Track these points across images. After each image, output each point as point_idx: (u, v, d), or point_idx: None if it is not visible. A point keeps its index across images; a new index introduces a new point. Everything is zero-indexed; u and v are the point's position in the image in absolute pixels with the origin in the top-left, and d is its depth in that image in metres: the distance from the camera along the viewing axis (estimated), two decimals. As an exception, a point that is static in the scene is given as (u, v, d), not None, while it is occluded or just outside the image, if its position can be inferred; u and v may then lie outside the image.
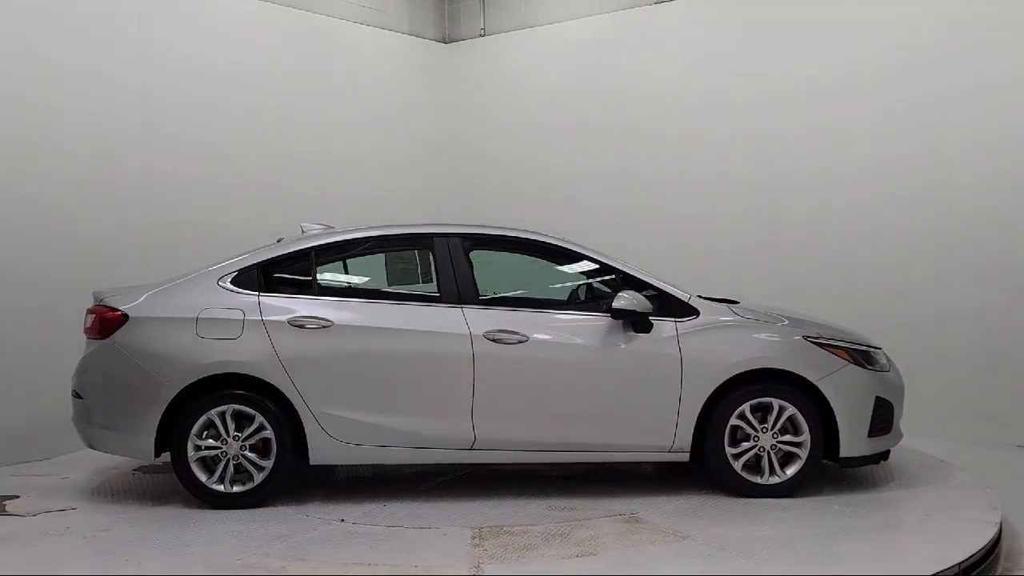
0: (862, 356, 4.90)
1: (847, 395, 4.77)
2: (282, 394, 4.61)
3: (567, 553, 3.82)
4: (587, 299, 5.20)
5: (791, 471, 4.74)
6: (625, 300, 4.70)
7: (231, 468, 4.60)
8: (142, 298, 4.78)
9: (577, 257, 5.08)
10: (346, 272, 5.21)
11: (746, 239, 7.50)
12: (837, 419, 4.74)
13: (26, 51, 6.09)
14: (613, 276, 5.00)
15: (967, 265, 6.54)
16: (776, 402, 4.74)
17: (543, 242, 5.07)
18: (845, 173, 7.06)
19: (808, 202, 7.23)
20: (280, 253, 4.92)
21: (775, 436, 4.74)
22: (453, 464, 5.19)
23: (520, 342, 4.70)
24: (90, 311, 4.88)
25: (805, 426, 4.74)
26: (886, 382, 4.95)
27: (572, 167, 8.40)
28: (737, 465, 4.73)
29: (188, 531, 4.20)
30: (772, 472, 4.74)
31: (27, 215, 6.09)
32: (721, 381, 4.71)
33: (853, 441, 4.77)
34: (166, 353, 4.61)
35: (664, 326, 4.78)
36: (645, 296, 4.78)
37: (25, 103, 6.09)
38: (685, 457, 4.77)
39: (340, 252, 5.08)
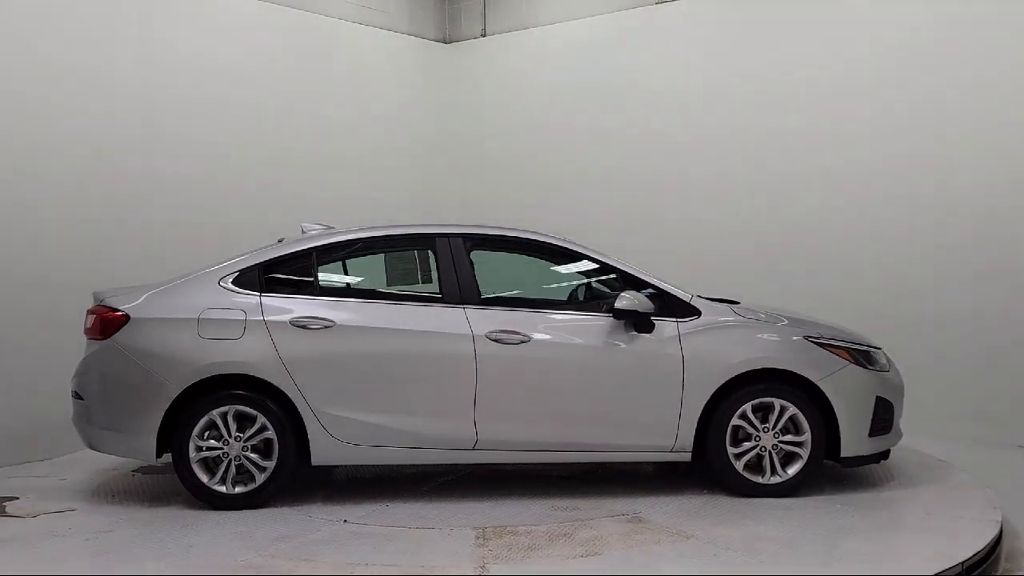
0: (862, 356, 4.92)
1: (848, 395, 4.78)
2: (284, 395, 4.60)
3: (571, 553, 3.82)
4: (589, 299, 5.21)
5: (792, 471, 4.75)
6: (627, 300, 4.70)
7: (233, 469, 4.59)
8: (143, 298, 4.76)
9: (579, 257, 5.08)
10: (348, 272, 5.20)
11: (746, 239, 7.51)
12: (838, 419, 4.75)
13: (26, 51, 6.08)
14: (615, 276, 5.01)
15: (967, 265, 6.55)
16: (777, 402, 4.75)
17: (545, 242, 5.07)
18: (845, 173, 7.07)
19: (808, 202, 7.24)
20: (281, 253, 4.91)
21: (776, 436, 4.76)
22: (454, 464, 5.19)
23: (522, 342, 4.70)
24: (90, 311, 4.86)
25: (806, 426, 4.75)
26: (886, 382, 4.96)
27: (572, 167, 8.40)
28: (739, 465, 4.74)
29: (190, 532, 4.19)
30: (774, 472, 4.75)
31: (27, 215, 6.07)
32: (723, 381, 4.72)
33: (854, 441, 4.78)
34: (167, 353, 4.59)
35: (666, 326, 4.79)
36: (646, 296, 4.79)
37: (25, 103, 6.08)
38: (687, 457, 4.78)
39: (342, 252, 5.07)
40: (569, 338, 4.77)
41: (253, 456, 4.59)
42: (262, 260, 4.87)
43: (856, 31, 7.05)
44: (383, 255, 5.33)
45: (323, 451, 4.63)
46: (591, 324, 4.80)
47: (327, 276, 5.02)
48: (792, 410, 4.74)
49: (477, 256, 4.97)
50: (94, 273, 5.91)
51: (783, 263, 7.32)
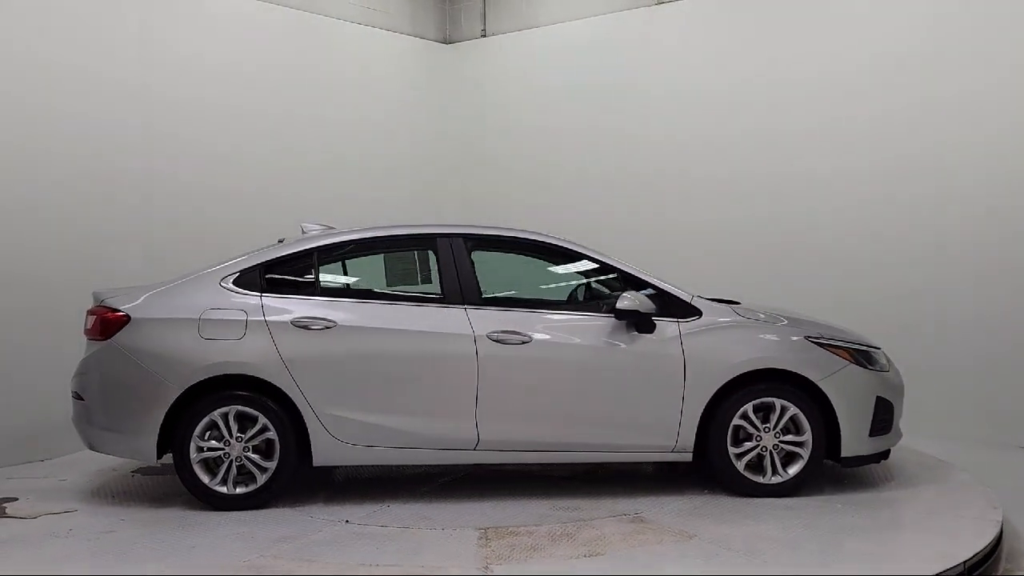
0: (863, 356, 4.93)
1: (848, 395, 4.80)
2: (285, 395, 4.59)
3: (574, 553, 3.83)
4: (590, 299, 5.21)
5: (793, 470, 4.76)
6: (629, 300, 4.71)
7: (234, 470, 4.58)
8: (144, 299, 4.75)
9: (580, 258, 5.08)
10: (349, 273, 5.20)
11: (746, 240, 7.52)
12: (839, 419, 4.76)
13: (26, 52, 6.06)
14: (616, 277, 5.01)
15: (967, 265, 6.57)
16: (778, 402, 4.76)
17: (546, 243, 5.08)
18: (845, 174, 7.08)
19: (808, 203, 7.25)
20: (282, 254, 4.90)
21: (777, 436, 4.77)
22: (454, 464, 5.19)
23: (523, 342, 4.70)
24: (91, 312, 4.85)
25: (807, 426, 4.76)
26: (886, 382, 4.97)
27: (572, 167, 8.41)
28: (740, 465, 4.75)
29: (192, 533, 4.18)
30: (774, 472, 4.76)
31: (27, 216, 6.06)
32: (724, 381, 4.73)
33: (854, 441, 4.79)
34: (168, 354, 4.58)
35: (667, 327, 4.79)
36: (648, 296, 4.80)
37: (25, 104, 6.07)
38: (688, 457, 4.79)
39: (343, 253, 5.07)
40: (570, 338, 4.77)
41: (254, 457, 4.59)
42: (263, 260, 4.86)
43: (856, 32, 7.07)
44: (383, 255, 5.33)
45: (324, 451, 4.63)
46: (592, 324, 4.81)
47: (328, 276, 5.02)
48: (793, 410, 4.75)
49: (478, 256, 4.97)
50: (94, 273, 5.90)
51: (783, 263, 7.33)
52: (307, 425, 4.60)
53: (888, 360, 5.10)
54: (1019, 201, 6.37)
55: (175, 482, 4.75)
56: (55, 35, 6.22)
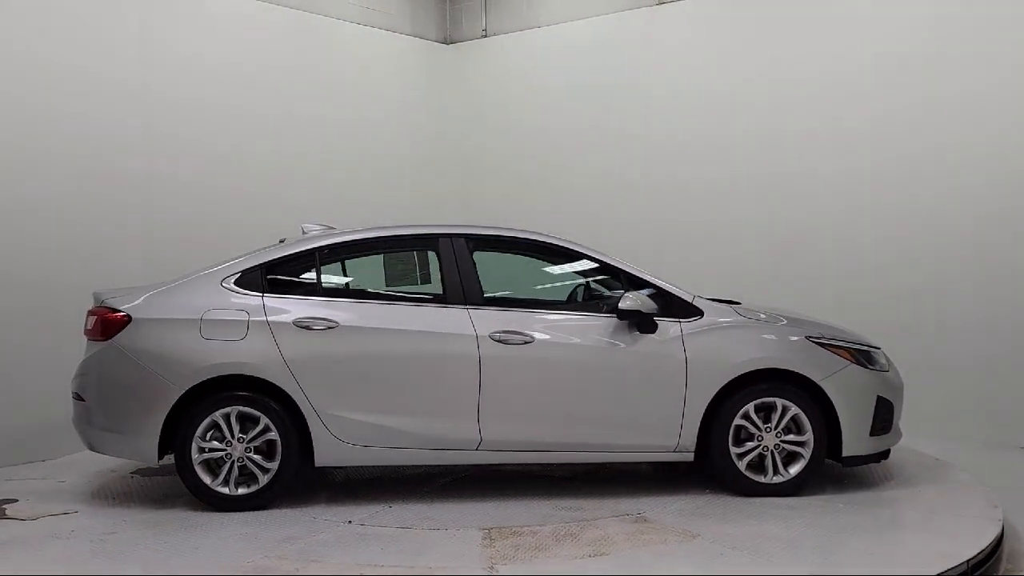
0: (863, 356, 4.95)
1: (849, 395, 4.81)
2: (287, 395, 4.58)
3: (579, 553, 3.83)
4: (592, 300, 5.21)
5: (794, 470, 4.78)
6: (631, 301, 4.71)
7: (236, 470, 4.57)
8: (144, 299, 4.74)
9: (582, 258, 5.08)
10: (351, 273, 5.19)
11: (747, 240, 7.54)
12: (840, 418, 4.77)
13: (26, 52, 6.05)
14: (618, 277, 5.01)
15: (967, 266, 6.59)
16: (780, 402, 4.77)
17: (548, 243, 5.08)
18: (846, 174, 7.11)
19: (809, 203, 7.27)
20: (284, 254, 4.90)
21: (779, 435, 4.78)
22: (455, 465, 5.18)
23: (526, 343, 4.70)
24: (91, 312, 4.83)
25: (808, 425, 4.77)
26: (887, 382, 4.99)
27: (573, 168, 8.42)
28: (741, 464, 4.76)
29: (195, 534, 4.17)
30: (776, 471, 4.77)
31: (27, 216, 6.04)
32: (726, 381, 4.74)
33: (855, 440, 4.81)
34: (170, 355, 4.57)
35: (669, 327, 4.80)
36: (649, 296, 4.80)
37: (25, 104, 6.05)
38: (690, 457, 4.80)
39: (344, 253, 5.06)
40: (572, 338, 4.77)
41: (256, 457, 4.58)
42: (264, 260, 4.85)
43: (857, 33, 7.09)
44: (382, 256, 5.32)
45: (326, 452, 4.62)
46: (594, 324, 4.81)
47: (330, 277, 5.01)
48: (794, 410, 4.76)
49: (480, 256, 4.97)
50: (94, 274, 5.89)
51: (784, 264, 7.35)
52: (309, 426, 4.59)
53: (888, 360, 5.12)
54: (1020, 202, 6.39)
55: (175, 483, 4.74)
56: (55, 35, 6.21)
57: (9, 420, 5.91)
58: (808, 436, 4.77)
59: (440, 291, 4.87)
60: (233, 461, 4.56)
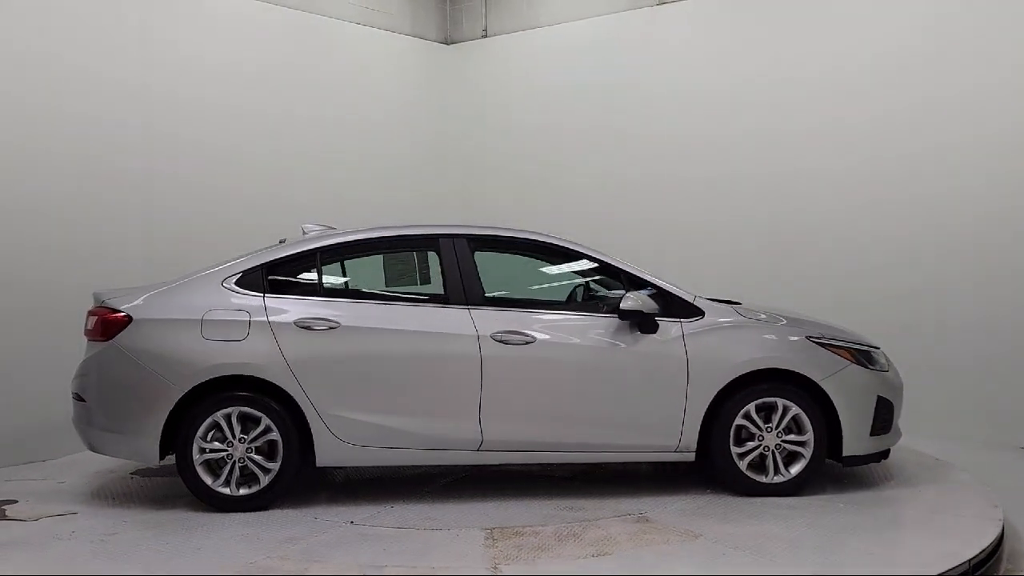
0: (863, 356, 4.96)
1: (850, 394, 4.82)
2: (288, 396, 4.58)
3: (582, 553, 3.83)
4: (593, 300, 5.22)
5: (795, 470, 4.79)
6: (632, 301, 4.71)
7: (237, 471, 4.56)
8: (145, 299, 4.73)
9: (583, 258, 5.08)
10: (353, 273, 5.19)
11: (747, 240, 7.55)
12: (840, 418, 4.78)
13: (26, 51, 6.04)
14: (619, 277, 5.01)
15: (967, 266, 6.61)
16: (781, 402, 4.78)
17: (549, 243, 5.08)
18: (846, 174, 7.12)
19: (809, 203, 7.28)
20: (285, 254, 4.89)
21: (779, 435, 4.79)
22: (455, 465, 5.18)
23: (527, 343, 4.70)
24: (91, 313, 4.82)
25: (809, 425, 4.78)
26: (887, 381, 5.00)
27: (574, 168, 8.42)
28: (742, 464, 4.77)
29: (197, 535, 4.16)
30: (776, 471, 4.78)
31: (27, 216, 6.03)
32: (727, 381, 4.74)
33: (856, 440, 4.82)
34: (171, 355, 4.56)
35: (670, 327, 4.81)
36: (650, 297, 4.81)
37: (25, 104, 6.04)
38: (691, 457, 4.80)
39: (346, 253, 5.05)
40: (574, 338, 4.77)
41: (257, 458, 4.57)
42: (265, 261, 4.84)
43: (858, 32, 7.10)
44: (381, 256, 5.32)
45: (328, 452, 4.61)
46: (596, 324, 4.81)
47: (331, 277, 5.01)
48: (795, 410, 4.77)
49: (480, 256, 4.97)
50: (94, 274, 5.88)
51: (784, 263, 7.36)
52: (310, 426, 4.59)
53: (887, 360, 5.13)
54: (1020, 202, 6.41)
55: (175, 484, 4.73)
56: (55, 35, 6.20)
57: (8, 420, 5.90)
58: (809, 436, 4.78)
59: (441, 291, 4.87)
60: (234, 461, 4.56)
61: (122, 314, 4.66)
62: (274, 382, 4.57)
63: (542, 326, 4.77)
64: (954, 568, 3.67)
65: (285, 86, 7.71)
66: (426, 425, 4.66)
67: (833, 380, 4.79)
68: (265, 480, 4.57)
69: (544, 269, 5.39)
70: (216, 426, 4.56)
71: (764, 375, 4.79)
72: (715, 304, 5.00)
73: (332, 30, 8.13)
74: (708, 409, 4.75)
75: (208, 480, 4.54)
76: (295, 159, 7.73)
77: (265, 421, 4.57)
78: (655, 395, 4.74)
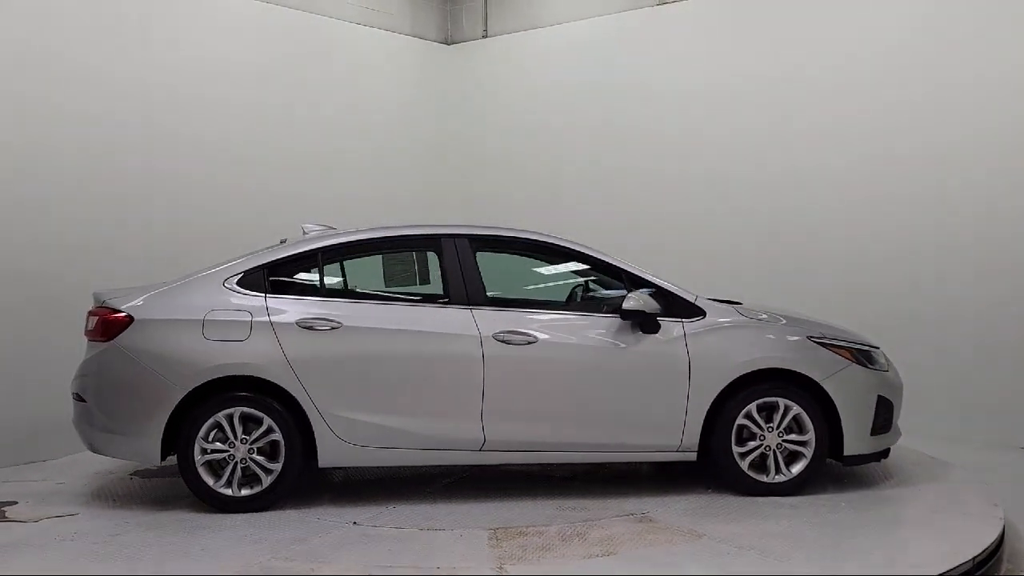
0: (863, 356, 4.98)
1: (850, 394, 4.84)
2: (291, 396, 4.57)
3: (587, 553, 3.83)
4: (595, 300, 5.22)
5: (796, 469, 4.80)
6: (634, 301, 4.72)
7: (238, 471, 4.55)
8: (146, 300, 4.71)
9: (585, 259, 5.08)
10: (355, 273, 5.17)
11: (747, 239, 7.57)
12: (841, 418, 4.80)
13: (26, 51, 6.02)
14: (620, 277, 5.01)
15: (967, 265, 6.63)
16: (782, 401, 4.79)
17: (550, 243, 5.08)
18: (846, 173, 7.14)
19: (809, 202, 7.29)
20: (287, 254, 4.88)
21: (781, 435, 4.80)
22: (455, 465, 5.18)
23: (529, 343, 4.70)
24: (92, 313, 4.80)
25: (810, 425, 4.80)
26: (887, 381, 5.02)
27: (574, 168, 8.43)
28: (744, 464, 4.78)
29: (200, 536, 4.14)
30: (778, 470, 4.79)
31: (27, 215, 6.01)
32: (729, 381, 4.75)
33: (856, 439, 4.84)
34: (172, 355, 4.54)
35: (672, 327, 4.81)
36: (652, 296, 4.81)
37: (25, 103, 6.03)
38: (693, 456, 4.81)
39: (347, 253, 5.04)
40: (576, 339, 4.78)
41: (259, 458, 4.56)
42: (267, 261, 4.83)
43: (857, 31, 7.12)
44: (381, 257, 5.31)
45: (330, 453, 4.60)
46: (598, 325, 4.82)
47: (333, 277, 5.00)
48: (796, 409, 4.79)
49: (482, 257, 4.97)
50: (94, 273, 5.87)
51: (784, 263, 7.38)
52: (313, 426, 4.58)
53: (887, 360, 5.15)
54: (1020, 201, 6.43)
55: (175, 484, 4.72)
56: (55, 34, 6.18)
57: (8, 420, 5.87)
58: (810, 435, 4.80)
59: (443, 291, 4.87)
60: (236, 462, 4.54)
61: (123, 314, 4.64)
62: (276, 382, 4.56)
63: (544, 326, 4.77)
64: (957, 567, 3.69)
65: (285, 86, 7.70)
66: (429, 425, 4.65)
67: (834, 380, 4.81)
68: (267, 481, 4.55)
69: (546, 269, 5.39)
70: (218, 427, 4.54)
71: (765, 375, 4.80)
72: (716, 304, 5.01)
73: (332, 30, 8.12)
74: (710, 409, 4.76)
75: (210, 481, 4.53)
76: (295, 159, 7.72)
77: (267, 422, 4.55)
78: (657, 395, 4.75)
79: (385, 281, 5.24)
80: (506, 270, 5.24)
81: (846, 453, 4.83)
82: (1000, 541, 4.09)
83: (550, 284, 5.47)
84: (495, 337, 4.68)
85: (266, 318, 4.63)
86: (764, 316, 5.07)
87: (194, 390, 4.52)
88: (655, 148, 8.02)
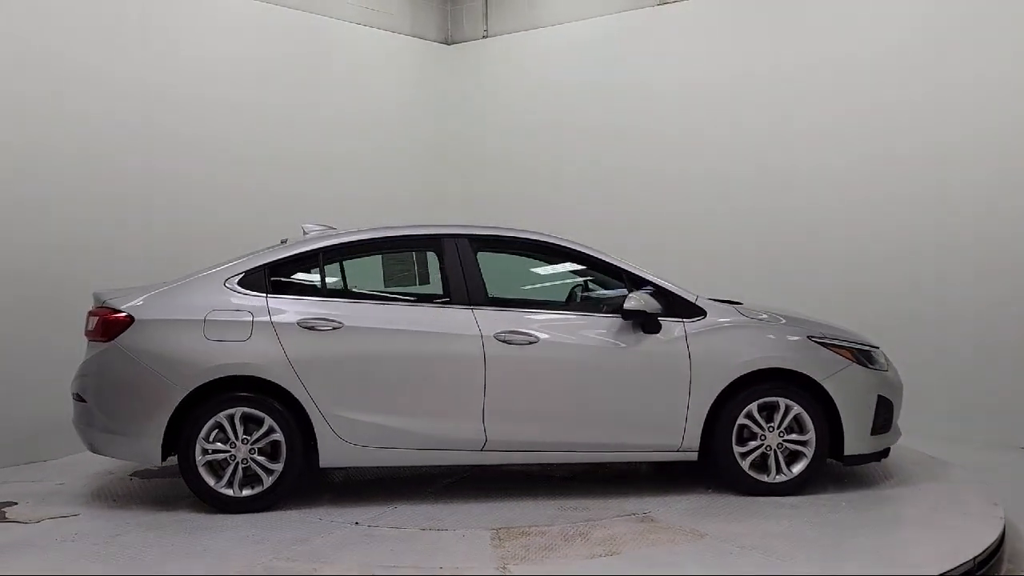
0: (864, 356, 4.98)
1: (851, 394, 4.84)
2: (292, 396, 4.56)
3: (590, 553, 3.83)
4: (595, 300, 5.22)
5: (797, 469, 4.80)
6: (635, 301, 4.72)
7: (239, 472, 4.54)
8: (147, 300, 4.70)
9: (586, 259, 5.08)
10: (355, 273, 5.17)
11: (748, 239, 7.57)
12: (842, 417, 4.80)
13: (26, 51, 6.01)
14: (621, 277, 5.02)
15: (967, 265, 6.64)
16: (783, 401, 4.80)
17: (551, 243, 5.08)
18: (846, 173, 7.14)
19: (810, 202, 7.30)
20: (288, 254, 4.88)
21: (781, 435, 4.80)
22: (456, 465, 5.18)
23: (530, 343, 4.70)
24: (92, 313, 4.79)
25: (810, 425, 4.80)
26: (887, 381, 5.03)
27: (574, 168, 8.43)
28: (745, 464, 4.78)
29: (201, 536, 4.14)
30: (779, 470, 4.80)
31: (27, 215, 6.00)
32: (729, 381, 4.76)
33: (857, 439, 4.84)
34: (173, 356, 4.54)
35: (673, 327, 4.82)
36: (653, 296, 4.82)
37: (25, 103, 6.02)
38: (694, 456, 4.81)
39: (349, 253, 5.04)
40: (577, 339, 4.78)
41: (260, 459, 4.56)
42: (268, 261, 4.83)
43: (857, 31, 7.12)
44: (380, 257, 5.30)
45: (331, 453, 4.60)
46: (599, 325, 4.82)
47: (334, 277, 5.00)
48: (797, 409, 4.79)
49: (483, 257, 4.97)
50: (94, 273, 5.86)
51: (784, 263, 7.38)
52: (314, 427, 4.57)
53: (887, 360, 5.16)
54: (1020, 201, 6.44)
55: (176, 485, 4.72)
56: (55, 34, 6.17)
57: (8, 421, 5.86)
58: (810, 435, 4.80)
59: (444, 291, 4.86)
60: (237, 462, 4.54)
61: (123, 314, 4.64)
62: (277, 383, 4.56)
63: (545, 326, 4.78)
64: (957, 567, 3.69)
65: (285, 86, 7.69)
66: (430, 425, 4.65)
67: (834, 380, 4.82)
68: (268, 481, 4.55)
69: (546, 269, 5.39)
70: (219, 427, 4.54)
71: (766, 375, 4.81)
72: (717, 304, 5.01)
73: (332, 30, 8.12)
74: (710, 409, 4.76)
75: (211, 481, 4.52)
76: (295, 159, 7.71)
77: (268, 422, 4.55)
78: (658, 395, 4.75)
79: (384, 281, 5.24)
80: (507, 270, 5.24)
81: (846, 453, 4.84)
82: (1000, 541, 4.10)
83: (551, 284, 5.47)
84: (496, 337, 4.68)
85: (267, 318, 4.63)
86: (764, 316, 5.07)
87: (195, 390, 4.52)
88: (655, 148, 8.02)
